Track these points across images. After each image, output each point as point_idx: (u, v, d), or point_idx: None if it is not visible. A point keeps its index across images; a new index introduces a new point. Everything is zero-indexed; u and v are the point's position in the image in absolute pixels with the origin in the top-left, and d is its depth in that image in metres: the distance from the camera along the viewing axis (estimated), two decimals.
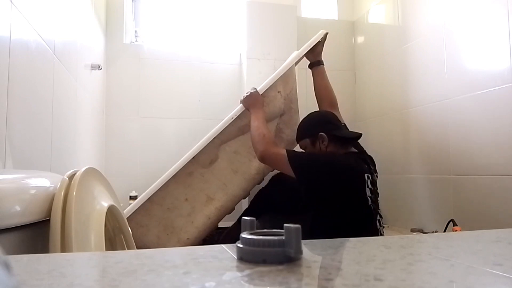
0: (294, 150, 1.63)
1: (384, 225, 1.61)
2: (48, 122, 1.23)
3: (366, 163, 1.58)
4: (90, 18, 1.93)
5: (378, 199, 1.58)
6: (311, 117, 1.71)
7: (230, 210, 1.86)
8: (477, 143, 1.68)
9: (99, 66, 1.97)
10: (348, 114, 2.17)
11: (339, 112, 1.82)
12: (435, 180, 1.94)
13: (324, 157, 1.56)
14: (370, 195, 1.52)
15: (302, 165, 1.53)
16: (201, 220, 1.79)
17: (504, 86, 1.55)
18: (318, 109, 1.84)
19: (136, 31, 2.52)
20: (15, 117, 0.94)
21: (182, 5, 2.62)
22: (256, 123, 1.66)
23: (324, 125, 1.63)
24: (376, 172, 1.61)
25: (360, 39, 2.68)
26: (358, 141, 1.68)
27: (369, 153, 1.67)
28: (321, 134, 1.59)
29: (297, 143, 1.73)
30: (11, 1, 0.93)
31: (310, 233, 1.41)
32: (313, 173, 1.51)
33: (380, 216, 1.57)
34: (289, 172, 1.53)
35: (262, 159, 1.61)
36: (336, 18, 2.75)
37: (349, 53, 2.72)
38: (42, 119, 1.17)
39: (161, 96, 2.43)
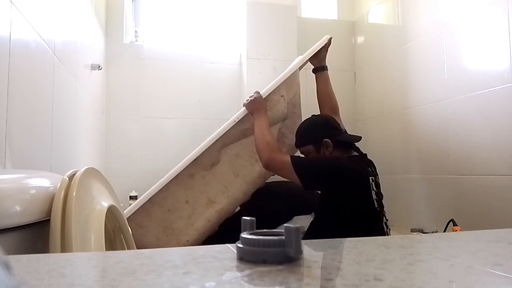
0: (298, 156, 1.61)
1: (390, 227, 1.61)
2: (48, 122, 1.22)
3: (368, 166, 1.57)
4: (90, 18, 1.93)
5: (383, 201, 1.58)
6: (311, 122, 1.67)
7: (230, 213, 1.85)
8: (477, 143, 1.68)
9: (99, 66, 1.97)
10: (348, 114, 2.17)
11: (340, 118, 1.80)
12: (435, 180, 1.94)
13: (329, 162, 1.53)
14: (375, 197, 1.51)
15: (307, 171, 1.50)
16: (201, 222, 1.78)
17: (504, 86, 1.55)
18: (317, 113, 1.82)
19: (136, 31, 2.52)
20: (15, 117, 0.94)
21: (182, 5, 2.62)
22: (260, 129, 1.64)
23: (328, 131, 1.61)
24: (377, 174, 1.60)
25: (360, 39, 2.68)
26: (358, 146, 1.67)
27: (369, 154, 1.66)
28: (326, 141, 1.57)
29: (298, 148, 1.69)
30: (11, 1, 0.93)
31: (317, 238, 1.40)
32: (319, 178, 1.49)
33: (386, 219, 1.56)
34: (294, 179, 1.51)
35: (267, 167, 1.60)
36: (336, 18, 2.75)
37: (349, 53, 2.72)
38: (42, 119, 1.17)
39: (161, 96, 2.43)
